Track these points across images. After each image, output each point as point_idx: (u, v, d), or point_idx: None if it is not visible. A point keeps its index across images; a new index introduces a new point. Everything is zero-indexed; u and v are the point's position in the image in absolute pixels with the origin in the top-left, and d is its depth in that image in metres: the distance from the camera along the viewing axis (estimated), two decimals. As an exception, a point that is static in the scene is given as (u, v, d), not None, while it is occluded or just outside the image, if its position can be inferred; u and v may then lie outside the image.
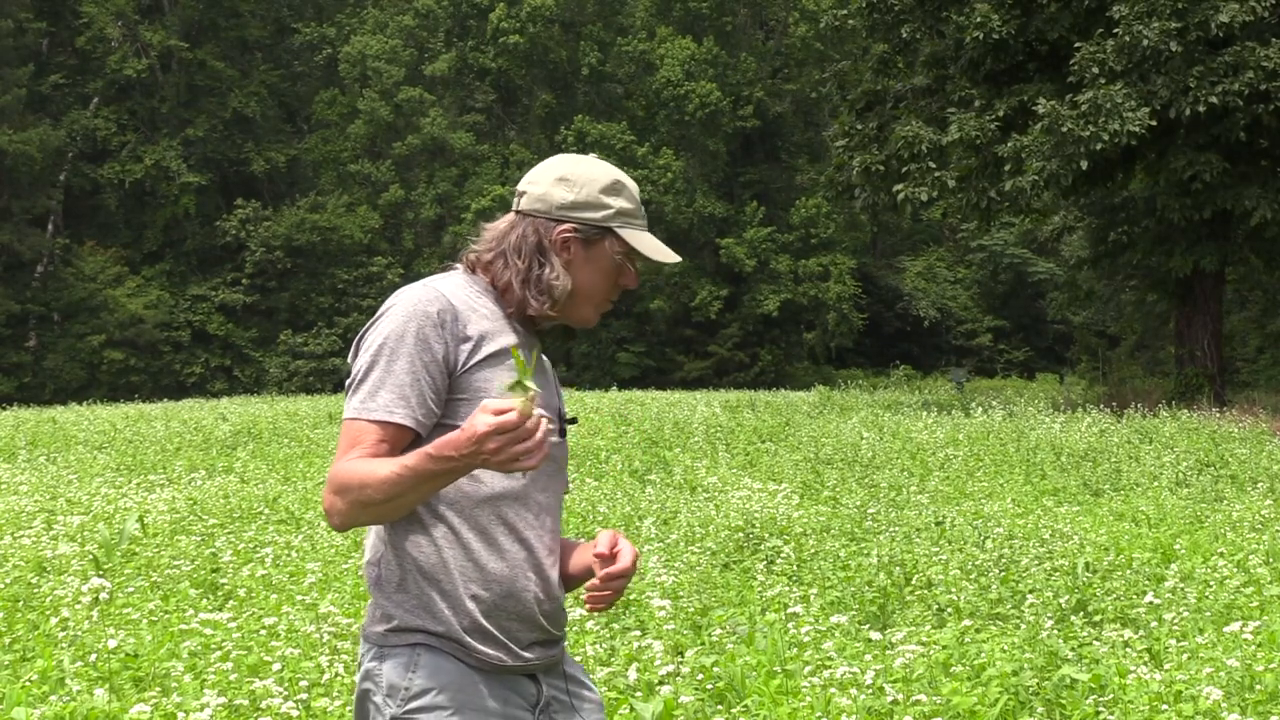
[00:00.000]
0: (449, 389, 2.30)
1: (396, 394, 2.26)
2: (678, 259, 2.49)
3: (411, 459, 2.15)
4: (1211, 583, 6.84)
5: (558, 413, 2.45)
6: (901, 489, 11.52)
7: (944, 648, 5.13)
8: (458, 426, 2.16)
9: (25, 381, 45.20)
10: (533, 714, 2.38)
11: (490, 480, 2.32)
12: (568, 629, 2.58)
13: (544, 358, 2.46)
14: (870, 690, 4.60)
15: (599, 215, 2.39)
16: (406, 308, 2.30)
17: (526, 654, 2.37)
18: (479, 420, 2.05)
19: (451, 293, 2.35)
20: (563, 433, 2.46)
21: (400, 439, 2.27)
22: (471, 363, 2.32)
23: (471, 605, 2.30)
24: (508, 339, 2.36)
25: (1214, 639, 5.41)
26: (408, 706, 2.27)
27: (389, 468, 2.17)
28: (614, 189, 2.42)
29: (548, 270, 2.37)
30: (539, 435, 2.06)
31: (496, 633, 2.32)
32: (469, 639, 2.30)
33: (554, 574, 2.41)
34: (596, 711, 2.49)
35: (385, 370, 2.27)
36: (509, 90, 54.87)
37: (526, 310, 2.39)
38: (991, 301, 59.20)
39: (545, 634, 2.40)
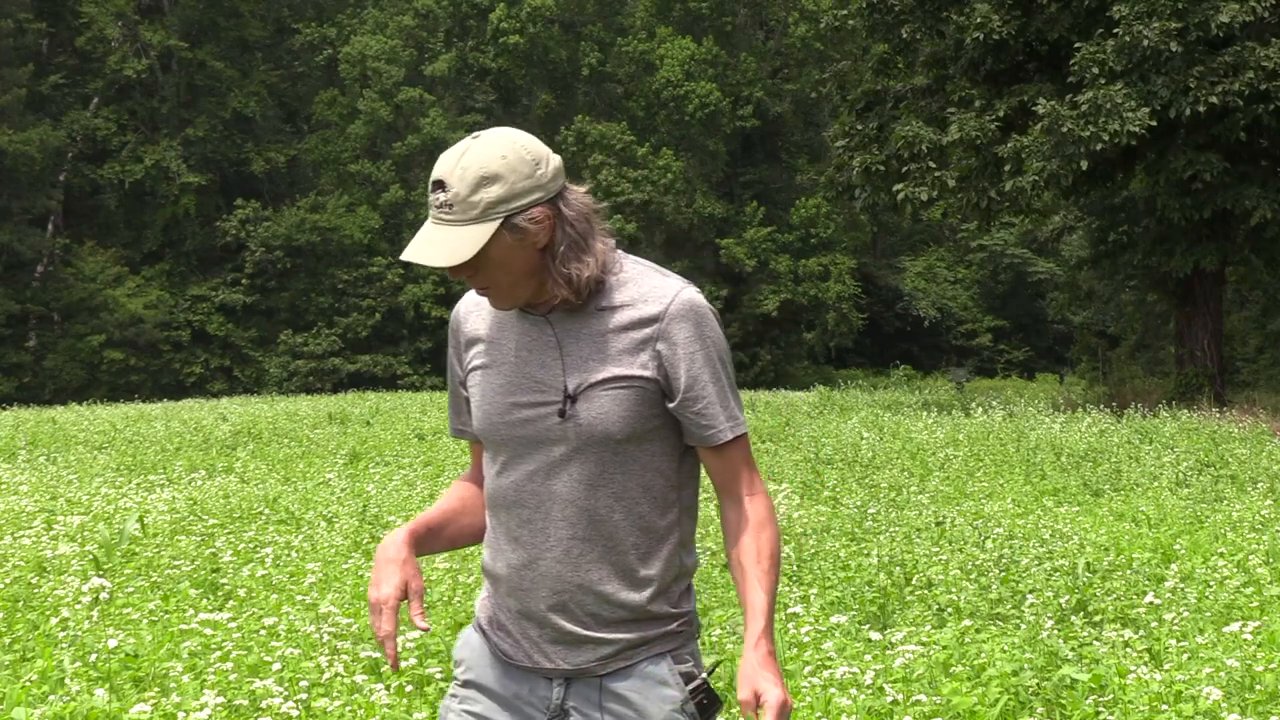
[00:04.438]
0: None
1: (450, 411, 2.55)
2: (406, 257, 2.19)
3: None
4: (1211, 583, 6.84)
5: (561, 390, 2.27)
6: (901, 489, 11.52)
7: (944, 648, 5.13)
8: None
9: (25, 381, 45.19)
10: (545, 717, 2.35)
11: (488, 483, 2.39)
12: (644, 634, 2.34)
13: (551, 332, 2.29)
14: (870, 690, 4.60)
15: None
16: None
17: (538, 655, 2.34)
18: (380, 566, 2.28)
19: (470, 297, 2.44)
20: (562, 413, 2.26)
21: (472, 448, 2.53)
22: (468, 368, 2.41)
23: (493, 602, 2.42)
24: (492, 336, 2.37)
25: (1214, 639, 5.40)
26: (454, 671, 2.52)
27: None
28: None
29: None
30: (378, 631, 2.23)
31: (511, 628, 2.38)
32: (488, 629, 2.43)
33: (574, 569, 2.29)
34: None
35: None
36: (509, 90, 54.84)
37: None
38: (991, 301, 59.22)
39: (562, 634, 2.31)
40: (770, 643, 2.32)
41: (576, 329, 2.29)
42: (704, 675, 2.40)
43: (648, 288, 2.30)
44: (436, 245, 2.18)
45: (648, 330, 2.27)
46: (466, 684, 2.43)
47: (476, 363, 2.38)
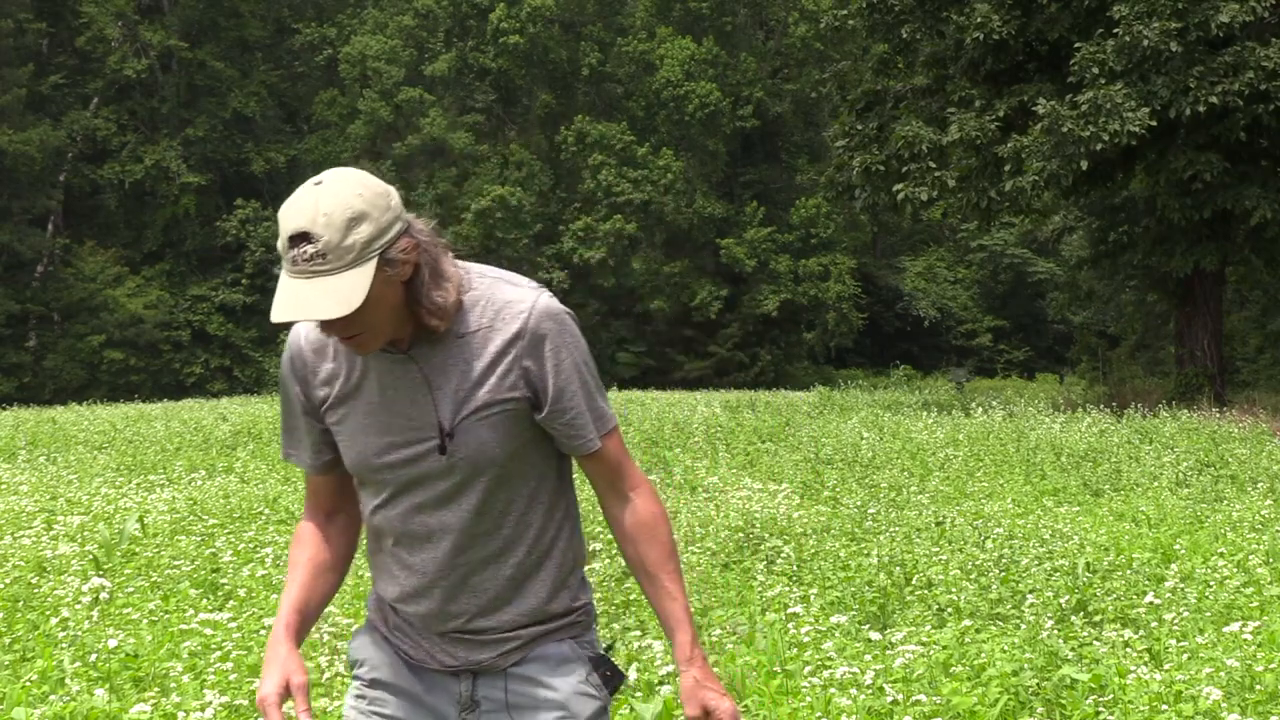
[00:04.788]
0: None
1: (284, 437, 2.46)
2: (284, 318, 2.10)
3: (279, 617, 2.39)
4: (1211, 583, 6.84)
5: (437, 427, 2.26)
6: (901, 489, 11.52)
7: (944, 648, 5.13)
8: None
9: (25, 381, 45.19)
10: (456, 710, 2.38)
11: (372, 515, 2.38)
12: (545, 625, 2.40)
13: (416, 369, 2.25)
14: (870, 690, 4.60)
15: None
16: None
17: (441, 655, 2.38)
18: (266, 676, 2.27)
19: (306, 333, 2.36)
20: (442, 449, 2.26)
21: (310, 480, 2.46)
22: (324, 406, 2.36)
23: (390, 613, 2.44)
24: (349, 374, 2.30)
25: (1214, 639, 5.40)
26: (353, 672, 2.50)
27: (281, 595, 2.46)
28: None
29: None
30: None
31: (409, 632, 2.41)
32: (386, 631, 2.45)
33: (471, 591, 2.32)
34: (551, 710, 2.35)
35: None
36: (509, 90, 54.84)
37: None
38: (991, 301, 59.23)
39: (462, 643, 2.36)
40: (701, 650, 2.35)
41: (441, 361, 2.25)
42: (604, 651, 2.46)
43: (501, 304, 2.26)
44: (320, 298, 2.09)
45: (512, 350, 2.25)
46: (373, 683, 2.44)
47: (336, 401, 2.33)
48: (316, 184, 2.13)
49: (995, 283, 58.87)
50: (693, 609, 6.11)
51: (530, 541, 2.34)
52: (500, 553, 2.33)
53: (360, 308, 2.10)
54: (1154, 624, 5.98)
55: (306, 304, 2.09)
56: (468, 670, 2.37)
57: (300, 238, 2.09)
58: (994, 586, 6.77)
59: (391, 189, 2.18)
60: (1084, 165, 21.81)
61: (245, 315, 49.79)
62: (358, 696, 2.45)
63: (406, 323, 2.21)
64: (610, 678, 2.41)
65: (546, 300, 2.28)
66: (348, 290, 2.08)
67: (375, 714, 2.42)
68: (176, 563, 7.40)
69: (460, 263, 2.29)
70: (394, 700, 2.41)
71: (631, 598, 6.42)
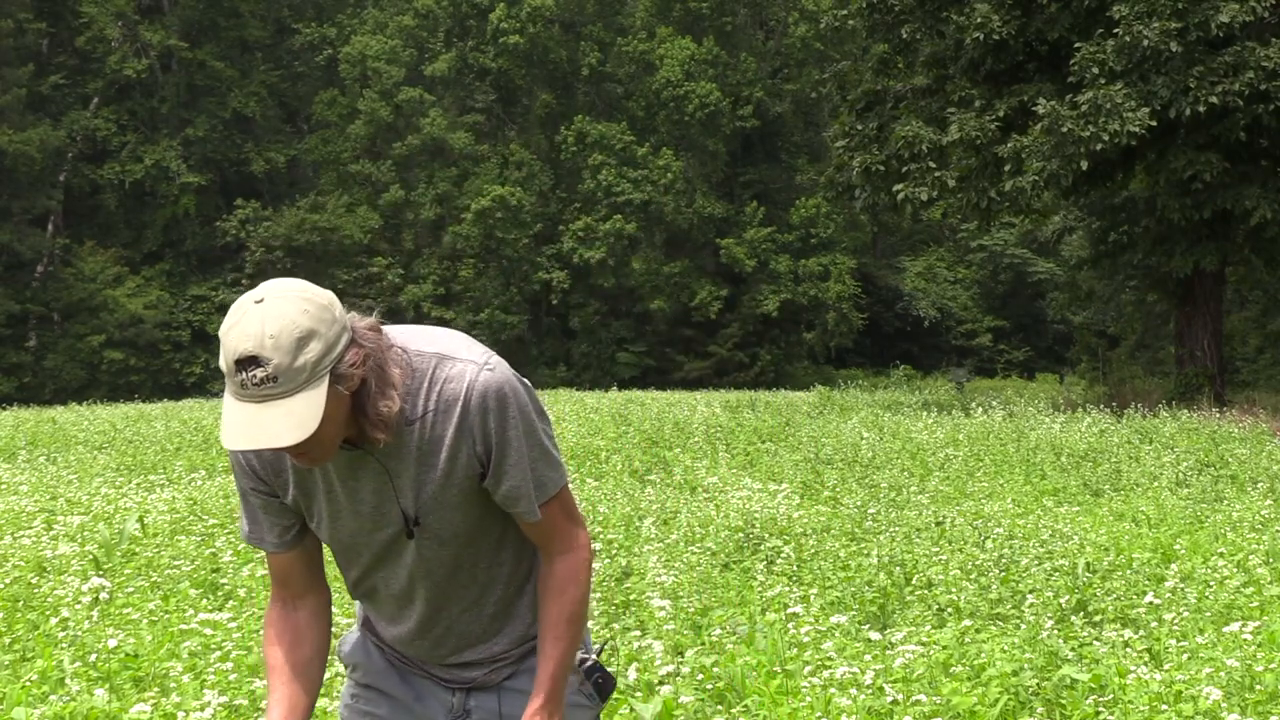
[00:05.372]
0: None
1: (244, 520, 2.41)
2: (240, 446, 2.05)
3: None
4: (1211, 583, 6.84)
5: (401, 516, 2.28)
6: (901, 489, 11.51)
7: (944, 648, 5.13)
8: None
9: (25, 381, 45.19)
10: (447, 719, 2.44)
11: (354, 579, 2.42)
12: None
13: (375, 460, 2.24)
14: (870, 690, 4.60)
15: None
16: None
17: (434, 669, 2.45)
18: None
19: None
20: (410, 534, 2.29)
21: (273, 561, 2.43)
22: (286, 490, 2.34)
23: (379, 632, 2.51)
24: (311, 468, 2.25)
25: (1214, 639, 5.40)
26: (348, 674, 2.56)
27: (267, 677, 2.45)
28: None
29: None
30: None
31: (401, 650, 2.49)
32: (378, 641, 2.52)
33: (458, 636, 2.39)
34: None
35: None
36: (509, 90, 54.84)
37: None
38: (991, 301, 59.22)
39: (454, 666, 2.43)
40: (546, 717, 2.33)
41: (397, 450, 2.22)
42: (593, 656, 2.47)
43: (441, 381, 2.21)
44: (275, 424, 2.02)
45: (459, 434, 2.22)
46: (367, 687, 2.50)
47: (296, 490, 2.32)
48: (258, 302, 2.04)
49: (995, 283, 58.87)
50: (692, 609, 6.11)
51: (506, 578, 2.39)
52: (479, 598, 2.37)
53: None
54: (1154, 624, 5.98)
55: (262, 431, 2.03)
56: (461, 686, 2.44)
57: (248, 361, 2.02)
58: (994, 586, 6.77)
59: (333, 296, 2.11)
60: (1084, 165, 21.81)
61: (245, 315, 49.76)
62: (353, 695, 2.51)
63: (352, 429, 2.16)
64: (602, 685, 2.45)
65: (486, 376, 2.22)
66: (302, 413, 2.02)
67: (368, 714, 2.47)
68: (176, 563, 7.40)
69: (399, 336, 2.23)
70: (386, 705, 2.47)
71: (631, 598, 6.42)
